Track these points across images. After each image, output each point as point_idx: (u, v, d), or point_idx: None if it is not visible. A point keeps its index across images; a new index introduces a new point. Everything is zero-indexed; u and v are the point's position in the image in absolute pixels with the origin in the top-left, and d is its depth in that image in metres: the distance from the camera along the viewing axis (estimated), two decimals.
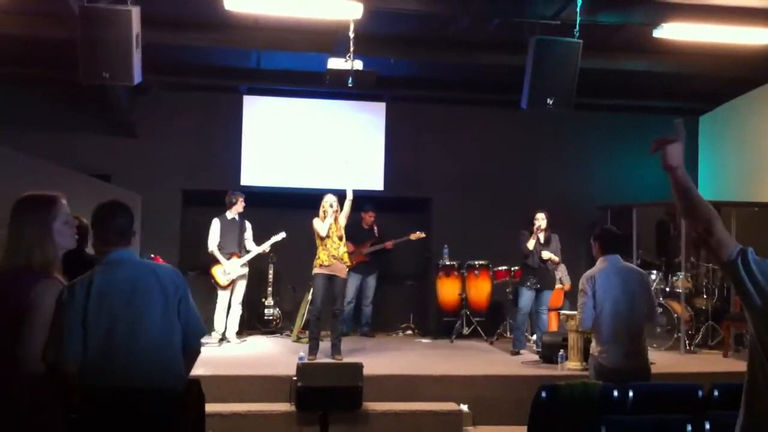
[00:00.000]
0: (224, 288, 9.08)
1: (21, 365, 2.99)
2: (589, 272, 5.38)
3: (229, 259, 9.10)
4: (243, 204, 9.25)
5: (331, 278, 7.92)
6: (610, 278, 5.25)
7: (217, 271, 9.09)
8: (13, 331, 3.00)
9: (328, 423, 6.56)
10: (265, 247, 9.38)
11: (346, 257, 8.06)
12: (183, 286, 3.23)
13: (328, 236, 7.90)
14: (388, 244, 10.23)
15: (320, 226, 7.92)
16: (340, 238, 8.00)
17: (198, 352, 3.35)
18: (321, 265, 7.91)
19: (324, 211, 7.94)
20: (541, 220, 8.75)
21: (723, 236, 2.41)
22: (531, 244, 8.69)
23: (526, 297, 8.74)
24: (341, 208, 8.05)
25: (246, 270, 9.28)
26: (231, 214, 9.24)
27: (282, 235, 9.43)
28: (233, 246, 9.18)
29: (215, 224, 9.17)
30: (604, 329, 5.23)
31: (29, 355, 2.99)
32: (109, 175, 9.95)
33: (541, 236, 8.71)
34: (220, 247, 9.10)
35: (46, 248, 3.15)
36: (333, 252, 7.91)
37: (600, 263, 5.37)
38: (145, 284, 3.13)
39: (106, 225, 3.21)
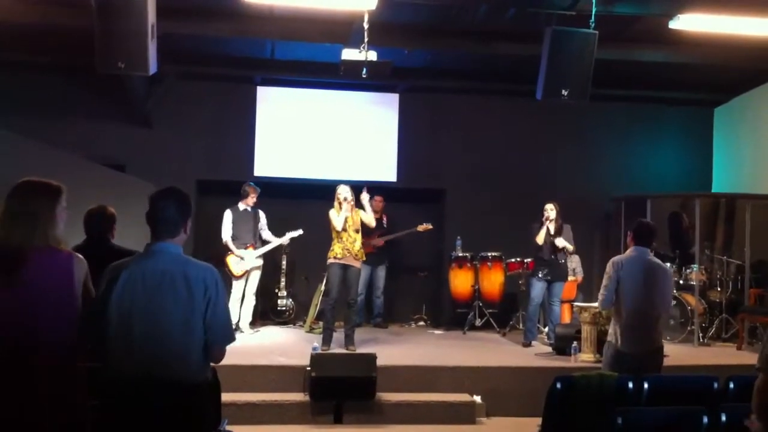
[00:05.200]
0: (238, 278, 9.10)
1: (73, 341, 3.18)
2: (618, 257, 5.61)
3: (244, 249, 9.14)
4: (254, 198, 9.24)
5: (345, 267, 7.92)
6: (635, 266, 5.45)
7: (231, 260, 9.11)
8: (63, 307, 3.18)
9: (342, 413, 6.61)
10: (284, 240, 9.41)
11: (361, 253, 8.05)
12: (214, 287, 3.16)
13: (344, 229, 7.91)
14: (380, 242, 10.08)
15: (336, 220, 7.91)
16: (357, 231, 8.00)
17: (219, 358, 3.25)
18: (335, 257, 7.92)
19: (339, 203, 7.94)
20: (549, 210, 8.72)
21: None
22: (541, 238, 8.68)
23: (538, 288, 8.75)
24: (356, 201, 8.04)
25: (261, 261, 9.30)
26: (243, 205, 9.25)
27: (299, 231, 9.46)
28: (248, 237, 9.19)
29: (227, 215, 9.19)
30: (623, 312, 5.42)
31: (75, 331, 3.20)
32: (124, 164, 9.98)
33: (551, 227, 8.67)
34: (234, 238, 9.13)
35: (57, 230, 3.28)
36: (348, 245, 7.90)
37: (630, 251, 5.58)
38: (172, 279, 3.11)
39: (153, 218, 3.22)
